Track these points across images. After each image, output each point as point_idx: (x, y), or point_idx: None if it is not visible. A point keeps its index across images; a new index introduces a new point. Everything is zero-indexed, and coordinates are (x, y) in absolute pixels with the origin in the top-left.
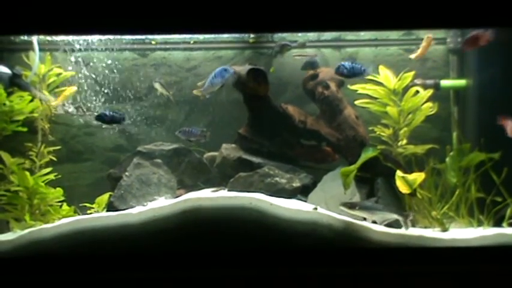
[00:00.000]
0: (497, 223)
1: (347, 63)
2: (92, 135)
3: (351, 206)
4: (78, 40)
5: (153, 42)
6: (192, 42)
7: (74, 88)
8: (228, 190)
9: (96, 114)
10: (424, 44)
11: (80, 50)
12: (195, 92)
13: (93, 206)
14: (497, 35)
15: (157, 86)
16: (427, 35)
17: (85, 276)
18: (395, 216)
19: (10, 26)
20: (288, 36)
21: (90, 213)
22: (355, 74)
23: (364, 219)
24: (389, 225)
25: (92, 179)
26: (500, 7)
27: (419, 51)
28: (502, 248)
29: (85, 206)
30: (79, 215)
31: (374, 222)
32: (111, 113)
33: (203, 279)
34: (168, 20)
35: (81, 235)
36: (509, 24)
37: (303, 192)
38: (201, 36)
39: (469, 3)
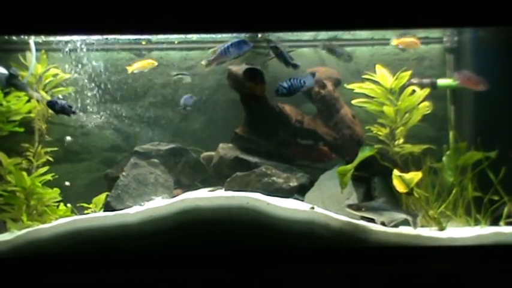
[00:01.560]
0: (495, 222)
1: (284, 83)
2: (88, 135)
3: (358, 207)
4: (75, 40)
5: (143, 42)
6: (176, 42)
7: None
8: (225, 190)
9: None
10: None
11: (76, 50)
12: (202, 62)
13: (90, 206)
14: (494, 34)
15: (185, 78)
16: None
17: (82, 276)
18: (403, 216)
19: (6, 26)
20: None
21: (87, 214)
22: (295, 89)
23: (372, 220)
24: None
25: (89, 179)
26: (497, 6)
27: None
28: (499, 246)
29: (82, 206)
30: (76, 215)
31: (383, 223)
32: (63, 102)
33: (200, 279)
34: (165, 20)
35: (78, 235)
36: (506, 24)
37: (300, 192)
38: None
39: (465, 2)
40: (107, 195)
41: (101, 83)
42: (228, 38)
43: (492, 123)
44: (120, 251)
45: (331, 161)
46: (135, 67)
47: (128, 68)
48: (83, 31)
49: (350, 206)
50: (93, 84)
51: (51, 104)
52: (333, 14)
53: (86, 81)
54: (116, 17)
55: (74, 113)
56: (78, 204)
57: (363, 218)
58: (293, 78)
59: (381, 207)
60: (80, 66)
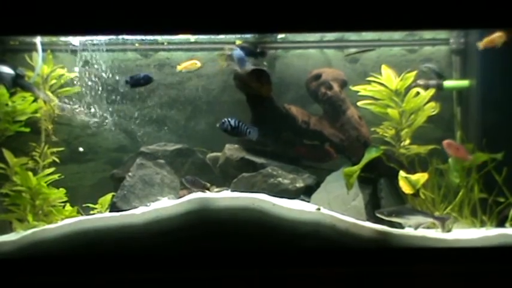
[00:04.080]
0: (500, 223)
1: (233, 121)
2: (95, 136)
3: (388, 213)
4: (81, 40)
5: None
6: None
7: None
8: (231, 190)
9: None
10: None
11: (82, 50)
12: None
13: (96, 206)
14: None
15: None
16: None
17: (88, 276)
18: (430, 220)
19: (13, 27)
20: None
21: (93, 214)
22: (237, 133)
23: (400, 224)
24: (391, 225)
25: (95, 180)
26: (503, 8)
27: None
28: (505, 248)
29: (88, 206)
30: (82, 215)
31: (411, 227)
32: (140, 75)
33: (206, 280)
34: (170, 21)
35: (84, 236)
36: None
37: (306, 193)
38: (204, 37)
39: (472, 4)
40: (113, 195)
41: (107, 83)
42: (234, 38)
43: (498, 125)
44: (126, 252)
45: (336, 161)
46: (183, 66)
47: (177, 67)
48: (88, 31)
49: (381, 212)
50: (99, 85)
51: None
52: (339, 15)
53: (92, 81)
54: (121, 18)
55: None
56: (84, 205)
57: (389, 222)
58: (242, 123)
59: (409, 212)
60: (85, 67)
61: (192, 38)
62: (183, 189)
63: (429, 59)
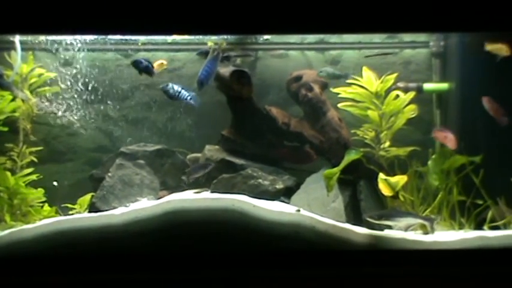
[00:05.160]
0: (479, 226)
1: (176, 86)
2: (74, 136)
3: (378, 216)
4: (61, 40)
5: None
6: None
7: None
8: (211, 191)
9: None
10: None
11: (63, 50)
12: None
13: (75, 206)
14: (481, 39)
15: None
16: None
17: (66, 277)
18: (419, 221)
19: None
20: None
21: (72, 214)
22: (179, 98)
23: (390, 227)
24: (371, 227)
25: (74, 180)
26: (483, 12)
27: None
28: (483, 250)
29: (67, 206)
30: (60, 215)
31: (401, 229)
32: (147, 62)
33: (185, 281)
34: (151, 21)
35: (62, 236)
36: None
37: (286, 194)
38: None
39: (452, 7)
40: (92, 196)
41: (87, 83)
42: (215, 39)
43: (477, 128)
44: (105, 252)
45: (316, 163)
46: None
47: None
48: (68, 31)
49: (370, 216)
50: (78, 85)
51: (136, 64)
52: (320, 17)
53: (72, 81)
54: (102, 17)
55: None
56: (62, 205)
57: (379, 225)
58: (185, 90)
59: (398, 214)
60: (65, 66)
61: (169, 38)
62: (162, 190)
63: (409, 61)
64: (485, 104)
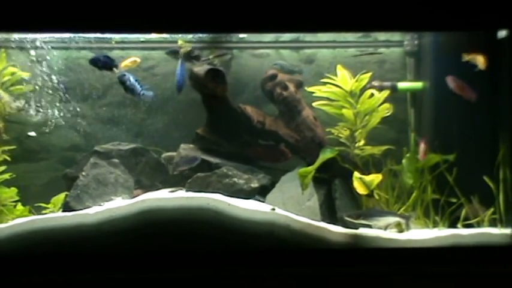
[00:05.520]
0: (453, 224)
1: (132, 77)
2: (47, 135)
3: (357, 216)
4: (34, 38)
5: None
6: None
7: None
8: (186, 190)
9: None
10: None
11: (35, 48)
12: None
13: (49, 206)
14: (455, 39)
15: None
16: None
17: (40, 277)
18: (397, 219)
19: None
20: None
21: (46, 213)
22: (133, 90)
23: (370, 226)
24: (345, 225)
25: (48, 179)
26: (456, 11)
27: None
28: (456, 248)
29: (40, 206)
30: (34, 215)
31: (380, 228)
32: (105, 58)
33: (160, 280)
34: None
35: (36, 235)
36: (465, 29)
37: (261, 193)
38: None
39: (426, 6)
40: (66, 195)
41: (60, 81)
42: (189, 38)
43: (451, 126)
44: (79, 251)
45: (291, 162)
46: (124, 65)
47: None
48: (42, 29)
49: (349, 216)
50: (52, 83)
51: (94, 62)
52: (294, 16)
53: (45, 79)
54: (77, 15)
55: (116, 66)
56: (36, 204)
57: (356, 224)
58: (140, 84)
59: (377, 213)
60: (38, 64)
61: (142, 37)
62: (137, 188)
63: (384, 60)
64: (450, 84)
